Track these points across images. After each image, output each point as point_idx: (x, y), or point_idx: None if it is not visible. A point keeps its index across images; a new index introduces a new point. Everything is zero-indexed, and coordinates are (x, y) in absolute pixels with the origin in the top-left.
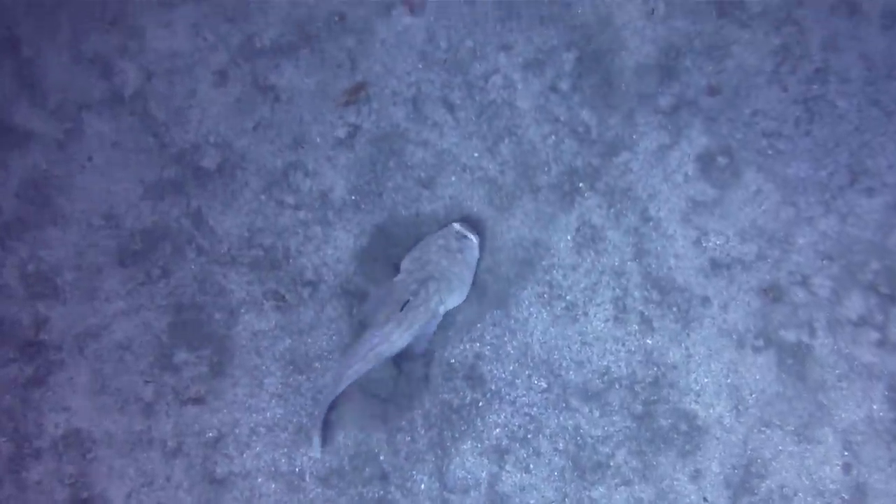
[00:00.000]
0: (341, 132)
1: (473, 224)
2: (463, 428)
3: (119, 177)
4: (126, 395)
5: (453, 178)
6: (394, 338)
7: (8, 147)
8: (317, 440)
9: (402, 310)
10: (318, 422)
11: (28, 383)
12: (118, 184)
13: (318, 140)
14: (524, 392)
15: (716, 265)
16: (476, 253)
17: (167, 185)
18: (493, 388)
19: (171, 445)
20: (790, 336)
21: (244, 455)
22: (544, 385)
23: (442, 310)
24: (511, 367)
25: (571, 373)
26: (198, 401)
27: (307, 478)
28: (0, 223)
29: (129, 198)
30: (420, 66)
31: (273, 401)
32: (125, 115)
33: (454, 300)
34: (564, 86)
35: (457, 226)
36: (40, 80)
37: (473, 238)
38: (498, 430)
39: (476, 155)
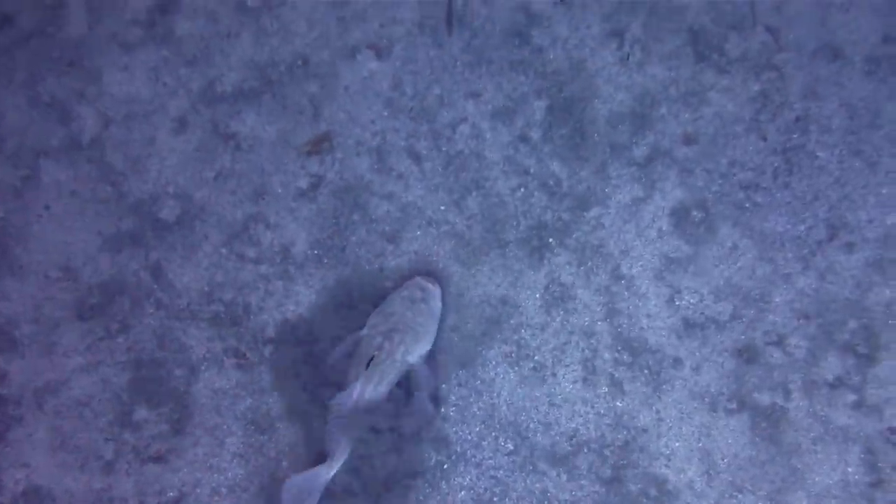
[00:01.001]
0: (303, 182)
1: (436, 276)
2: (427, 490)
3: (76, 227)
4: (86, 453)
5: (418, 233)
6: (367, 395)
7: None
8: None
9: (367, 367)
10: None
11: None
12: (76, 234)
13: (280, 191)
14: (490, 454)
15: (689, 325)
16: (439, 302)
17: (125, 236)
18: (458, 449)
19: None
20: (764, 398)
21: None
22: (511, 447)
23: (411, 359)
24: (477, 429)
25: (539, 435)
26: (158, 459)
27: None
28: None
29: (87, 249)
30: (385, 113)
31: (234, 461)
32: (83, 162)
33: (420, 349)
34: (535, 135)
35: (419, 278)
36: None
37: (435, 288)
38: (463, 492)
39: (442, 208)
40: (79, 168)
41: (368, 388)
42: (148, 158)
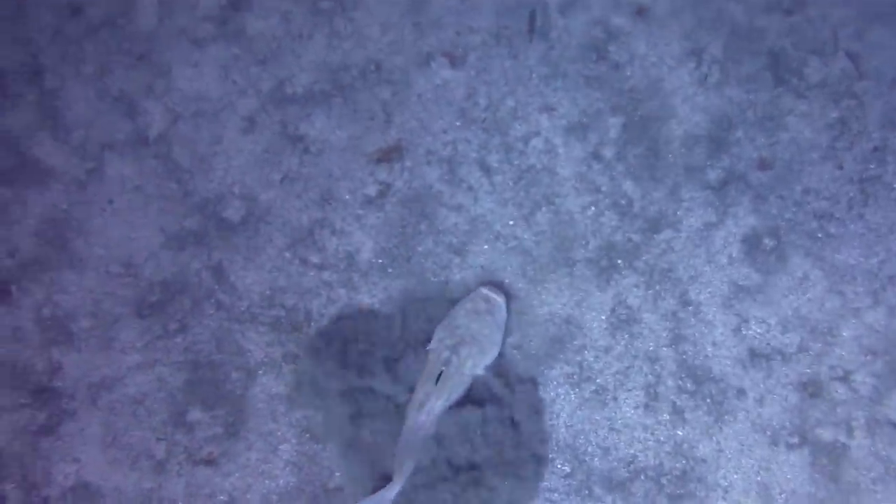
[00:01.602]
0: (371, 190)
1: (500, 285)
2: None
3: (139, 223)
4: (137, 451)
5: (486, 247)
6: (437, 410)
7: (28, 183)
8: None
9: (437, 382)
10: None
11: (39, 431)
12: (138, 230)
13: (347, 197)
14: (546, 476)
15: (755, 355)
16: (504, 313)
17: (188, 235)
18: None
19: None
20: (826, 434)
21: None
22: (567, 470)
23: (478, 371)
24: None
25: (596, 459)
26: (210, 462)
27: None
28: (16, 263)
29: (149, 246)
30: (457, 123)
31: (287, 468)
32: (149, 157)
33: (486, 361)
34: (608, 153)
35: (483, 289)
36: (63, 113)
37: (500, 299)
38: None
39: (511, 223)
40: (144, 163)
41: (438, 404)
42: (214, 157)
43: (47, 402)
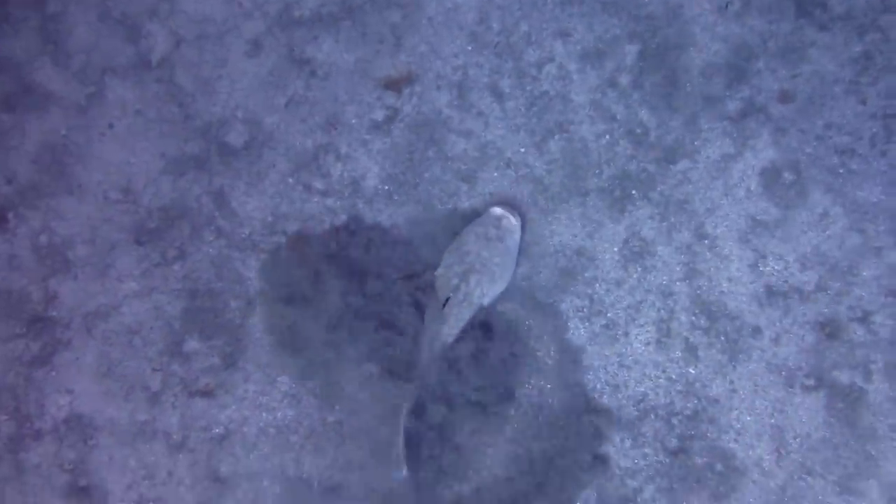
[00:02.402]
0: (379, 115)
1: (513, 207)
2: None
3: (139, 148)
4: (132, 382)
5: (496, 174)
6: (443, 336)
7: (27, 108)
8: (401, 459)
9: (444, 307)
10: (400, 441)
11: (33, 361)
12: (138, 155)
13: (354, 122)
14: (551, 413)
15: (771, 293)
16: (517, 237)
17: (189, 160)
18: (522, 403)
19: (175, 439)
20: (843, 377)
21: (251, 456)
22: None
23: (486, 301)
24: (543, 384)
25: (605, 397)
26: (206, 394)
27: (315, 486)
28: (14, 189)
29: (149, 171)
30: (469, 48)
31: (285, 401)
32: (150, 81)
33: (495, 290)
34: (624, 81)
35: (496, 210)
36: (65, 38)
37: (514, 220)
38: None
39: (522, 150)
40: (146, 87)
41: (444, 330)
42: (218, 81)
43: (42, 331)
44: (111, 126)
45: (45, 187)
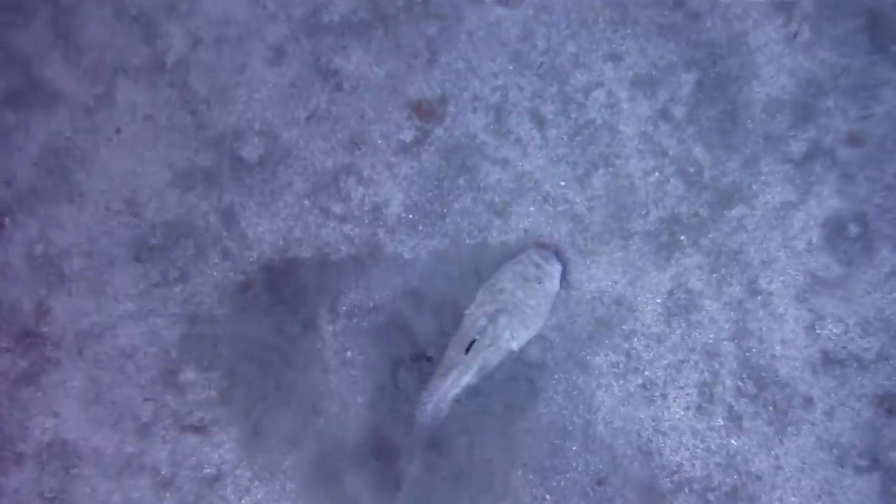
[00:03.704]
0: (408, 136)
1: (555, 250)
2: None
3: (147, 157)
4: (122, 411)
5: (532, 208)
6: (462, 383)
7: (33, 106)
8: None
9: (467, 352)
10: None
11: (19, 379)
12: (145, 165)
13: (380, 142)
14: (576, 478)
15: (828, 360)
16: (557, 283)
17: (199, 173)
18: (541, 465)
19: (163, 475)
20: None
21: (242, 501)
22: (601, 474)
23: (514, 346)
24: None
25: (636, 464)
26: (199, 429)
27: None
28: (13, 193)
29: (155, 183)
30: (510, 67)
31: (285, 445)
32: (163, 85)
33: (526, 336)
34: (678, 113)
35: (536, 252)
36: (77, 33)
37: (555, 266)
38: None
39: (562, 184)
40: (158, 91)
41: (465, 378)
42: (236, 88)
43: (31, 348)
44: (119, 131)
45: (44, 193)
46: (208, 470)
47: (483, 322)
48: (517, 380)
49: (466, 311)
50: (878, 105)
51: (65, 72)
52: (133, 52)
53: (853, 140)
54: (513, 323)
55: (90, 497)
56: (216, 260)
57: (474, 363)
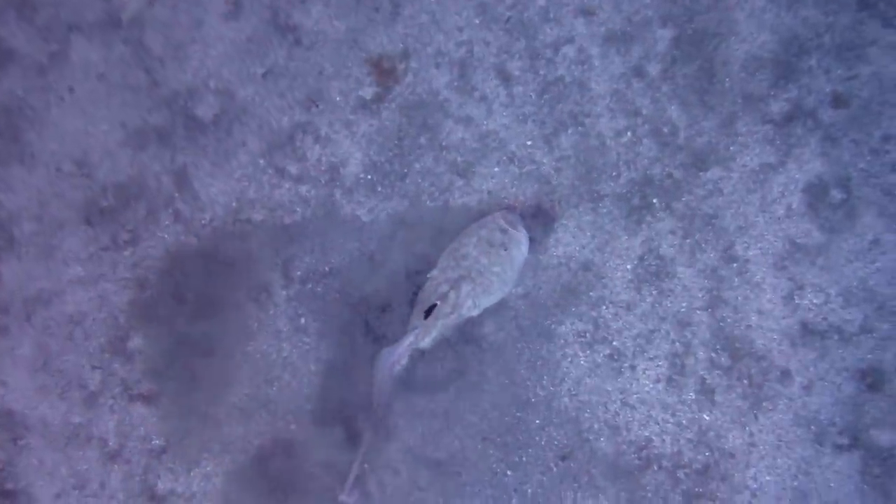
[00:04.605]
0: (367, 92)
1: (521, 215)
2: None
3: (99, 116)
4: (69, 379)
5: (496, 169)
6: (420, 347)
7: None
8: (352, 487)
9: (426, 317)
10: (355, 465)
11: None
12: (97, 124)
13: (338, 99)
14: (539, 453)
15: (807, 331)
16: (524, 250)
17: (152, 132)
18: (503, 440)
19: (111, 447)
20: (884, 438)
21: (191, 473)
22: (565, 449)
23: (475, 313)
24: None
25: (603, 440)
26: (148, 399)
27: None
28: None
29: (107, 143)
30: (476, 21)
31: (234, 413)
32: (117, 42)
33: (488, 302)
34: (653, 70)
35: (500, 215)
36: None
37: (522, 232)
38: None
39: (529, 143)
40: (112, 48)
41: (422, 341)
42: (191, 45)
43: None
44: (71, 90)
45: None
46: (157, 441)
47: (445, 288)
48: (471, 345)
49: (429, 275)
50: (864, 66)
51: (19, 29)
52: (88, 8)
53: (837, 101)
54: (476, 291)
55: (38, 469)
56: (167, 222)
57: (433, 328)
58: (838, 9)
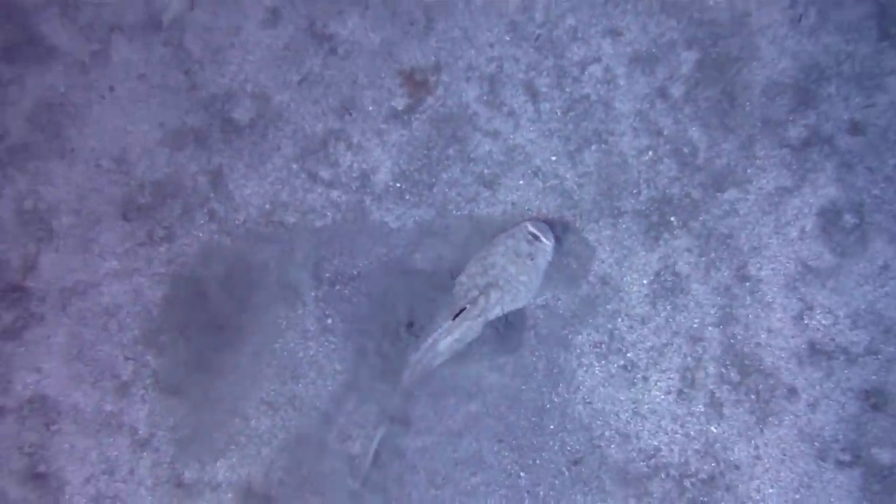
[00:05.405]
0: (399, 103)
1: (548, 226)
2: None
3: (139, 115)
4: (102, 368)
5: (521, 182)
6: (442, 347)
7: (29, 61)
8: (363, 472)
9: (454, 318)
10: (369, 452)
11: (3, 333)
12: (136, 123)
13: (371, 108)
14: (552, 457)
15: (814, 351)
16: (549, 259)
17: (189, 133)
18: (516, 442)
19: (141, 435)
20: (884, 456)
21: (218, 463)
22: (577, 454)
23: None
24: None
25: (613, 447)
26: (179, 391)
27: None
28: (5, 147)
29: (146, 142)
30: (507, 38)
31: (262, 408)
32: (158, 44)
33: (514, 307)
34: (676, 92)
35: (530, 226)
36: None
37: (548, 242)
38: None
39: (553, 158)
40: (153, 50)
41: (447, 341)
42: (230, 49)
43: (16, 302)
44: (112, 89)
45: (36, 148)
46: (185, 431)
47: (475, 293)
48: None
49: (458, 279)
50: (882, 94)
51: (62, 27)
52: (130, 9)
53: (854, 128)
54: (504, 299)
55: (68, 453)
56: (202, 221)
57: (459, 330)
58: (859, 38)
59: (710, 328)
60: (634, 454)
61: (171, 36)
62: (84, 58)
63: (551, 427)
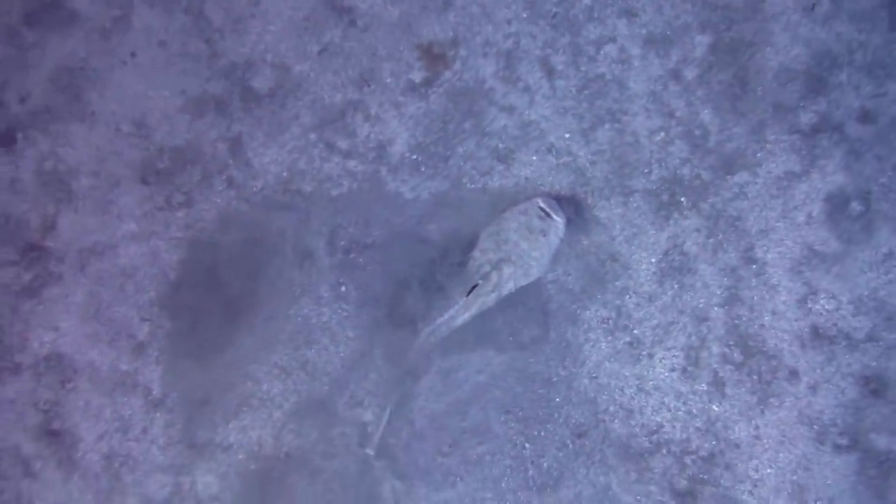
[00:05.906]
0: (417, 76)
1: (559, 202)
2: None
3: (159, 82)
4: (119, 328)
5: (534, 158)
6: (456, 323)
7: (49, 26)
8: (376, 442)
9: (468, 294)
10: (382, 421)
11: (22, 291)
12: (157, 89)
13: (389, 80)
14: (556, 430)
15: (817, 335)
16: (561, 234)
17: (210, 100)
18: (522, 414)
19: (154, 395)
20: (881, 442)
21: (230, 425)
22: (581, 427)
23: (513, 290)
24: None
25: (617, 421)
26: (193, 353)
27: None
28: (26, 109)
29: (166, 108)
30: (524, 15)
31: (274, 372)
32: (179, 11)
33: (525, 281)
34: (689, 74)
35: (540, 201)
36: None
37: (559, 219)
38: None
39: (567, 136)
40: (174, 17)
41: (462, 317)
42: (251, 19)
43: (35, 261)
44: (133, 55)
45: (57, 111)
46: (198, 393)
47: (487, 269)
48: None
49: (471, 255)
50: (892, 83)
51: None
52: None
53: (864, 117)
54: (517, 274)
55: (83, 411)
56: (221, 188)
57: (474, 305)
58: (871, 28)
59: (715, 308)
60: (637, 429)
61: (192, 4)
62: (105, 23)
63: (557, 400)
